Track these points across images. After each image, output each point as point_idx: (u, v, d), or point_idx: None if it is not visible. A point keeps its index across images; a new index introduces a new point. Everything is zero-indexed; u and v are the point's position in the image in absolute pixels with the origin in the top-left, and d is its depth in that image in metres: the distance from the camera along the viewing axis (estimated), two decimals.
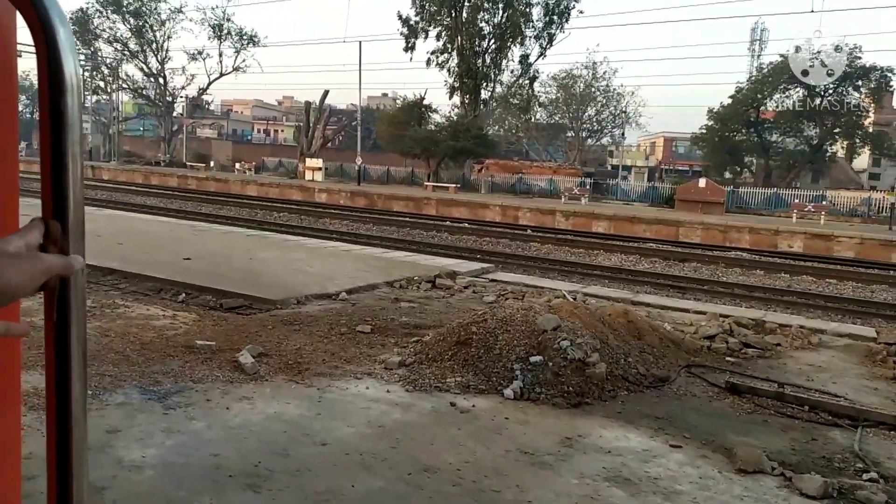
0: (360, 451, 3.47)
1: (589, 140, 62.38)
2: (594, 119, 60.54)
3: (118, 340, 5.17)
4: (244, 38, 50.60)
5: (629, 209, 27.11)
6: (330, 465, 3.32)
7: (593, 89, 58.10)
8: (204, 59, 52.39)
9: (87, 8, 50.01)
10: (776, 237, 21.12)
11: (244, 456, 3.38)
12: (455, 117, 36.09)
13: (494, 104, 37.69)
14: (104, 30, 51.58)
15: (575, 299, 7.09)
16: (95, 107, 54.83)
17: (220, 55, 53.41)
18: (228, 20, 49.96)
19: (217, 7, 54.70)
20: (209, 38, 50.49)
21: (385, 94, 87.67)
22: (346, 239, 14.63)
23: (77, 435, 0.69)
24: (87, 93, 53.02)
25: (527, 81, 36.82)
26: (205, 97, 56.91)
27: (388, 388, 4.40)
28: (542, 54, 36.39)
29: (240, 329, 5.67)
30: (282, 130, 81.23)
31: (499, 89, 37.31)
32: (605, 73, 52.90)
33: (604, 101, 59.45)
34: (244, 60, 50.92)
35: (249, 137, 78.20)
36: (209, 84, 54.45)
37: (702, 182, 28.95)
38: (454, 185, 32.77)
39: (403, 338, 5.63)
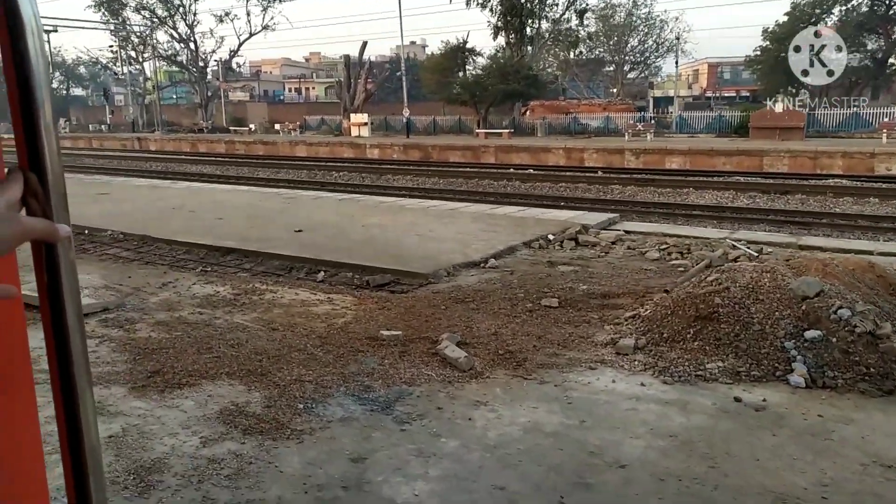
0: (676, 475, 2.76)
1: (632, 73, 59.79)
2: (636, 50, 57.83)
3: (290, 334, 4.54)
4: None
5: (701, 142, 25.60)
6: (654, 498, 2.62)
7: (634, 18, 55.27)
8: (232, 21, 51.37)
9: None
10: (872, 160, 19.56)
11: (537, 488, 2.70)
12: (501, 59, 34.43)
13: (541, 42, 35.76)
14: None
15: (760, 252, 6.22)
16: (129, 78, 54.45)
17: (248, 14, 52.36)
18: None
19: None
20: None
21: (413, 43, 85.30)
22: (435, 196, 13.81)
23: (84, 406, 0.70)
24: (120, 64, 52.59)
25: (574, 14, 34.76)
26: (236, 59, 56.06)
27: (640, 381, 3.66)
28: None
29: (411, 311, 4.99)
30: (313, 88, 79.91)
31: (544, 25, 35.37)
32: None
33: (646, 30, 56.60)
34: (272, 18, 49.67)
35: (282, 97, 77.24)
36: (240, 45, 53.38)
37: (778, 106, 27.11)
38: (507, 131, 31.50)
39: (600, 311, 4.88)
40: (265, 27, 50.33)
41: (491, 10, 33.80)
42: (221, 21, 52.50)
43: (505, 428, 3.21)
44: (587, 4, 35.33)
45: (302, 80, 77.14)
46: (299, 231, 8.12)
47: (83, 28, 44.89)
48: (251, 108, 63.46)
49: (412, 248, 7.07)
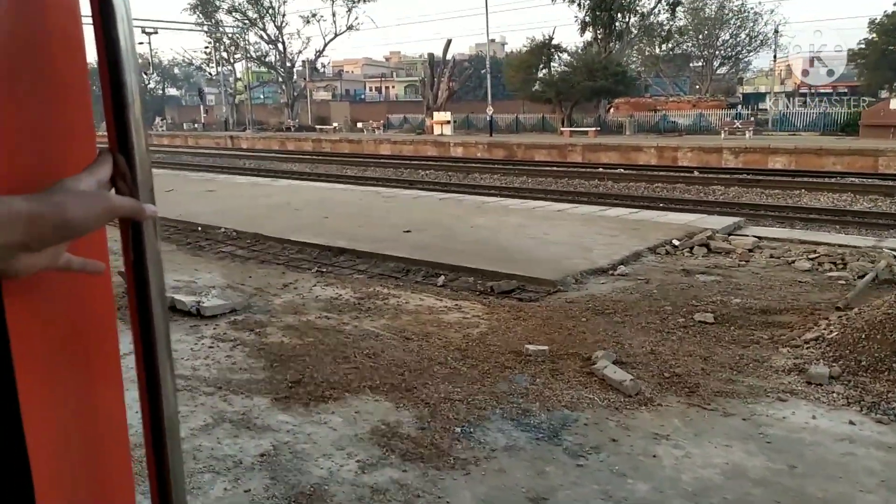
0: None
1: (721, 68, 57.15)
2: (727, 44, 55.20)
3: (426, 345, 4.27)
4: None
5: (808, 140, 23.95)
6: None
7: (726, 11, 52.80)
8: (318, 21, 52.51)
9: None
10: None
11: None
12: (587, 55, 33.49)
13: (630, 37, 34.55)
14: (224, 0, 52.53)
15: None
16: (218, 78, 56.78)
17: (334, 15, 53.40)
18: None
19: None
20: None
21: (493, 41, 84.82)
22: (526, 195, 13.39)
23: (164, 373, 0.72)
24: (213, 64, 54.83)
25: (666, 7, 33.36)
26: (321, 59, 57.36)
27: (846, 418, 3.15)
28: None
29: (549, 323, 4.62)
30: (393, 87, 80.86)
31: (633, 20, 34.14)
32: None
33: (738, 23, 53.96)
34: (356, 18, 50.45)
35: (363, 96, 78.56)
36: (325, 45, 54.68)
37: (893, 103, 25.00)
38: (593, 129, 30.62)
39: (766, 329, 4.35)
40: (350, 27, 51.25)
41: (579, 5, 32.95)
42: (308, 22, 53.76)
43: (700, 470, 2.79)
44: None
45: (383, 79, 78.12)
46: (408, 231, 7.91)
47: (180, 29, 46.97)
48: (334, 107, 64.83)
49: (530, 252, 6.70)
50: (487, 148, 28.42)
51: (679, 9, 47.79)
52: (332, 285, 5.80)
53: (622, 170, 20.77)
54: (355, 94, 78.42)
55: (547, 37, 33.86)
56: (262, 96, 70.24)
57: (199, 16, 50.76)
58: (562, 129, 31.40)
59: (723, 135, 26.46)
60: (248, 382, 3.79)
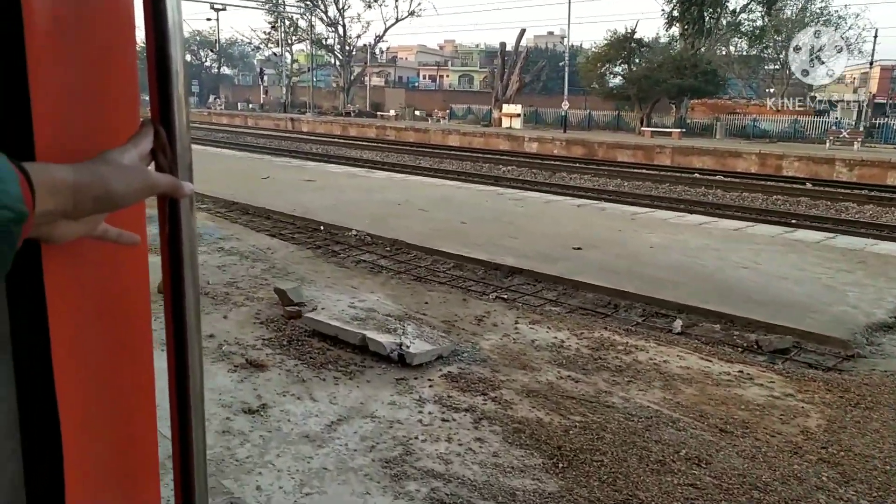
0: None
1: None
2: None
3: (761, 445, 2.96)
4: None
5: None
6: None
7: (808, 13, 50.14)
8: (380, 6, 51.42)
9: None
10: None
11: None
12: (674, 51, 31.61)
13: (720, 34, 32.52)
14: None
15: None
16: (282, 60, 56.25)
17: (396, 0, 52.28)
18: None
19: None
20: None
21: (551, 33, 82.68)
22: (658, 205, 11.90)
23: (192, 349, 0.73)
24: (277, 45, 54.24)
25: (763, 5, 31.24)
26: (379, 45, 56.37)
27: None
28: None
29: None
30: (447, 76, 79.56)
31: (723, 16, 32.07)
32: None
33: (820, 27, 51.21)
34: (419, 4, 49.25)
35: (416, 84, 77.42)
36: (385, 30, 53.66)
37: None
38: (678, 130, 28.82)
39: None
40: (411, 13, 50.08)
41: None
42: (369, 6, 52.94)
43: None
44: None
45: (438, 67, 76.83)
46: (578, 248, 6.62)
47: (245, 7, 46.32)
48: (389, 94, 63.89)
49: (764, 290, 5.33)
50: (565, 145, 26.90)
51: (758, 7, 45.51)
52: (539, 324, 4.54)
53: (721, 177, 19.19)
54: (408, 82, 77.29)
55: (629, 30, 32.04)
56: (314, 79, 69.64)
57: None
58: (643, 128, 29.64)
59: (828, 144, 24.47)
60: (540, 499, 2.56)
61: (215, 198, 9.23)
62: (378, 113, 42.89)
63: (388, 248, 6.75)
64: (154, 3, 0.64)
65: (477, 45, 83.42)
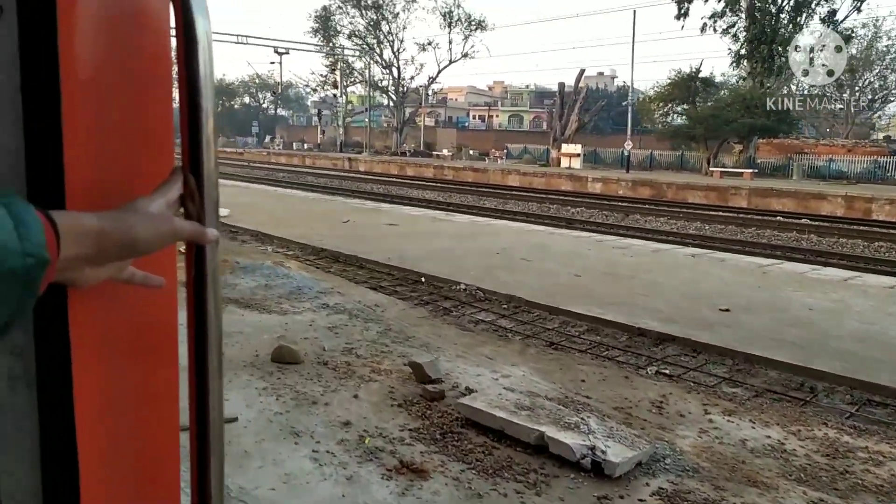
0: None
1: (867, 111, 52.43)
2: (872, 87, 50.74)
3: None
4: (472, 23, 49.38)
5: None
6: None
7: (873, 51, 48.62)
8: (434, 49, 51.98)
9: (330, 5, 51.49)
10: None
11: None
12: (742, 90, 30.61)
13: (789, 72, 31.39)
14: (344, 25, 52.97)
15: None
16: (342, 101, 57.20)
17: (450, 43, 52.72)
18: (458, 6, 49.00)
19: None
20: (440, 26, 49.93)
21: (601, 74, 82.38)
22: (777, 255, 10.83)
23: (214, 388, 0.73)
24: (326, 87, 55.32)
25: (834, 44, 30.03)
26: (432, 86, 56.91)
27: None
28: (856, 8, 29.54)
29: None
30: (497, 115, 79.92)
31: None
32: (892, 30, 43.44)
33: (887, 65, 49.57)
34: (472, 46, 49.60)
35: (466, 124, 77.90)
36: (438, 72, 54.07)
37: None
38: (749, 171, 27.62)
39: None
40: (465, 55, 50.48)
41: (735, 36, 30.21)
42: (423, 49, 53.49)
43: None
44: (852, 32, 30.48)
45: (489, 108, 77.31)
46: (726, 310, 5.77)
47: (307, 51, 47.42)
48: (440, 133, 64.29)
49: None
50: (631, 186, 25.99)
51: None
52: (736, 415, 3.71)
53: (806, 220, 17.97)
54: (458, 121, 77.85)
55: (694, 69, 31.22)
56: (366, 120, 70.76)
57: (320, 39, 51.42)
58: (711, 168, 28.52)
59: None
60: None
61: (301, 244, 8.73)
62: (433, 153, 42.83)
63: (506, 306, 6.03)
64: (187, 56, 0.65)
65: (527, 86, 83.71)
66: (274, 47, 39.34)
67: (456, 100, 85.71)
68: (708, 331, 5.15)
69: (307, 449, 3.19)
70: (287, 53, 41.00)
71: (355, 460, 3.10)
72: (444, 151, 47.50)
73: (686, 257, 8.64)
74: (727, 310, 5.79)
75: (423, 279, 6.97)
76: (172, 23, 0.68)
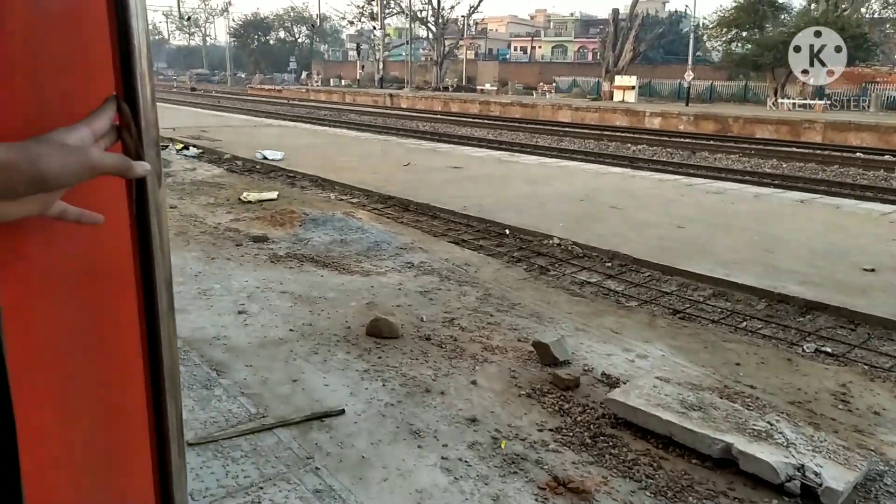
0: None
1: None
2: None
3: None
4: None
5: None
6: None
7: None
8: None
9: None
10: None
11: None
12: (813, 15, 28.17)
13: None
14: None
15: None
16: (366, 35, 55.41)
17: None
18: None
19: None
20: None
21: None
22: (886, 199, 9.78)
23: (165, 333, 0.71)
24: (362, 19, 53.46)
25: None
26: (473, 16, 54.53)
27: None
28: None
29: None
30: (540, 47, 76.69)
31: None
32: None
33: None
34: None
35: (507, 56, 75.05)
36: (480, 2, 51.65)
37: None
38: (819, 103, 25.70)
39: None
40: None
41: None
42: None
43: None
44: None
45: (532, 38, 74.10)
46: (871, 270, 4.97)
47: None
48: (481, 67, 62.04)
49: None
50: (693, 120, 24.47)
51: None
52: None
53: (889, 156, 16.54)
54: (498, 54, 74.96)
55: None
56: (402, 53, 68.58)
57: None
58: (780, 100, 26.63)
59: None
60: None
61: (366, 190, 8.11)
62: (478, 87, 41.25)
63: (609, 264, 5.35)
64: None
65: (571, 14, 79.74)
66: None
67: (496, 30, 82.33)
68: (862, 296, 4.40)
69: (434, 455, 2.65)
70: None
71: (496, 472, 2.54)
72: (487, 86, 45.76)
73: (795, 204, 7.73)
74: (872, 269, 5.00)
75: (507, 231, 6.31)
76: None
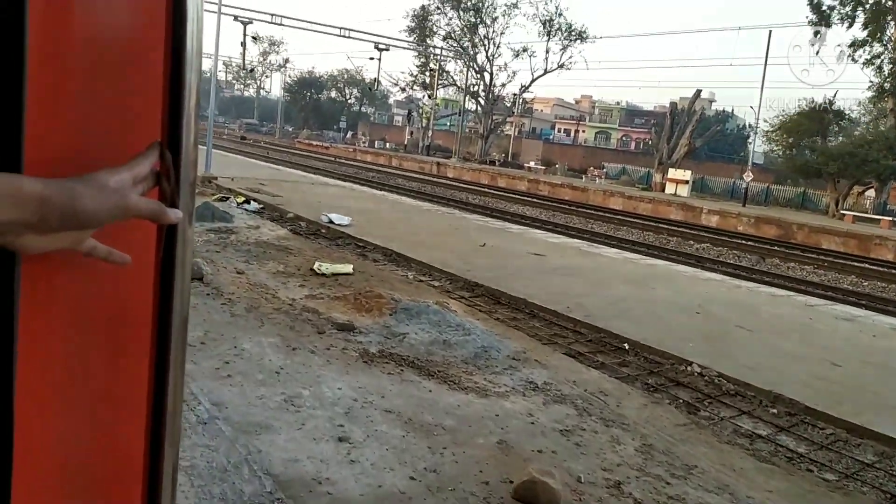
0: None
1: None
2: None
3: None
4: (573, 33, 47.47)
5: None
6: None
7: None
8: (530, 56, 50.25)
9: (429, 5, 50.53)
10: None
11: None
12: (881, 127, 27.59)
13: None
14: (440, 27, 51.93)
15: None
16: (416, 102, 56.33)
17: (547, 52, 50.90)
18: (560, 14, 47.25)
19: (551, 0, 52.09)
20: (539, 34, 48.15)
21: (699, 95, 78.59)
22: None
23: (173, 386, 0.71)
24: (414, 87, 54.45)
25: None
26: (524, 94, 55.30)
27: None
28: None
29: None
30: (584, 131, 77.64)
31: None
32: None
33: None
34: (570, 56, 47.67)
35: (550, 136, 75.92)
36: (532, 81, 52.26)
37: None
38: (887, 218, 24.68)
39: None
40: (561, 66, 48.56)
41: (879, 68, 27.24)
42: (517, 56, 51.99)
43: None
44: None
45: (578, 122, 75.05)
46: None
47: (406, 48, 46.66)
48: (525, 145, 62.67)
49: None
50: (754, 223, 23.56)
51: None
52: None
53: None
54: (541, 133, 75.84)
55: (827, 100, 28.38)
56: (447, 124, 69.63)
57: (415, 38, 50.59)
58: (843, 211, 25.69)
59: None
60: None
61: (448, 273, 7.26)
62: (526, 164, 41.13)
63: (774, 411, 4.33)
64: (174, 26, 0.63)
65: (617, 103, 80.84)
66: (375, 43, 38.51)
67: (541, 111, 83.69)
68: None
69: None
70: (387, 50, 40.10)
71: None
72: (532, 163, 45.72)
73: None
74: None
75: (626, 346, 5.35)
76: None
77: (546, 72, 49.23)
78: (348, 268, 6.76)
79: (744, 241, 19.50)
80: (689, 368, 4.90)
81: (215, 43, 15.87)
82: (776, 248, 18.79)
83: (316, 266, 6.64)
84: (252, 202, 10.65)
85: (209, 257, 6.54)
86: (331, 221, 9.54)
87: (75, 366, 0.65)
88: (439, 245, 8.98)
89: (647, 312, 6.39)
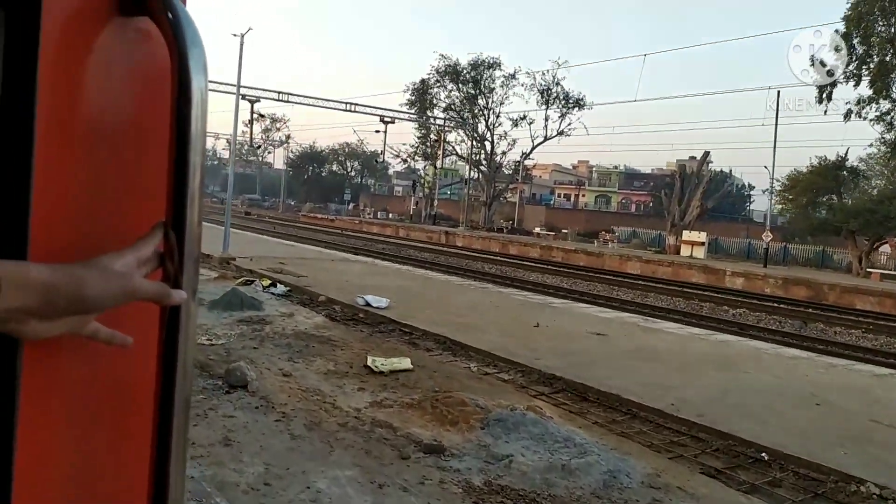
0: None
1: None
2: None
3: None
4: (570, 101, 48.12)
5: None
6: None
7: None
8: (529, 124, 50.79)
9: (428, 79, 51.37)
10: None
11: None
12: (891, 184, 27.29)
13: None
14: (440, 99, 52.66)
15: None
16: (414, 171, 56.58)
17: (546, 119, 51.45)
18: (557, 84, 48.00)
19: (548, 71, 53.08)
20: (537, 102, 48.70)
21: (692, 158, 79.50)
22: None
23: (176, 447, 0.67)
24: (415, 158, 54.78)
25: None
26: (525, 161, 55.64)
27: None
28: None
29: None
30: (584, 195, 78.13)
31: None
32: None
33: None
34: (569, 124, 48.13)
35: (550, 202, 76.25)
36: (532, 148, 52.68)
37: None
38: None
39: None
40: (560, 133, 48.99)
41: (890, 124, 27.15)
42: (516, 125, 52.58)
43: None
44: None
45: (579, 186, 75.57)
46: None
47: (409, 120, 47.04)
48: (529, 211, 62.57)
49: None
50: (781, 284, 22.75)
51: None
52: None
53: None
54: (541, 199, 76.14)
55: (840, 157, 28.19)
56: (448, 192, 69.85)
57: (416, 111, 51.20)
58: (870, 269, 24.97)
59: None
60: None
61: (516, 363, 6.36)
62: (534, 231, 40.70)
63: None
64: (180, 110, 0.64)
65: (615, 167, 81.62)
66: (380, 116, 38.79)
67: (540, 177, 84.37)
68: None
69: None
70: (392, 122, 40.36)
71: None
72: (538, 230, 45.38)
73: None
74: None
75: (764, 455, 4.41)
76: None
77: (546, 138, 49.62)
78: (406, 362, 5.87)
79: (776, 304, 18.67)
80: (861, 489, 3.95)
81: (234, 124, 15.43)
82: (810, 310, 17.93)
83: (370, 362, 5.75)
84: (278, 284, 9.82)
85: (248, 355, 5.65)
86: (368, 304, 8.68)
87: (76, 452, 0.65)
88: (489, 326, 8.11)
89: (763, 407, 5.46)
